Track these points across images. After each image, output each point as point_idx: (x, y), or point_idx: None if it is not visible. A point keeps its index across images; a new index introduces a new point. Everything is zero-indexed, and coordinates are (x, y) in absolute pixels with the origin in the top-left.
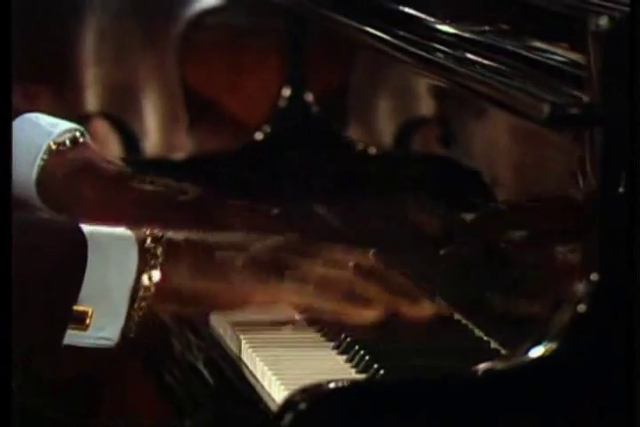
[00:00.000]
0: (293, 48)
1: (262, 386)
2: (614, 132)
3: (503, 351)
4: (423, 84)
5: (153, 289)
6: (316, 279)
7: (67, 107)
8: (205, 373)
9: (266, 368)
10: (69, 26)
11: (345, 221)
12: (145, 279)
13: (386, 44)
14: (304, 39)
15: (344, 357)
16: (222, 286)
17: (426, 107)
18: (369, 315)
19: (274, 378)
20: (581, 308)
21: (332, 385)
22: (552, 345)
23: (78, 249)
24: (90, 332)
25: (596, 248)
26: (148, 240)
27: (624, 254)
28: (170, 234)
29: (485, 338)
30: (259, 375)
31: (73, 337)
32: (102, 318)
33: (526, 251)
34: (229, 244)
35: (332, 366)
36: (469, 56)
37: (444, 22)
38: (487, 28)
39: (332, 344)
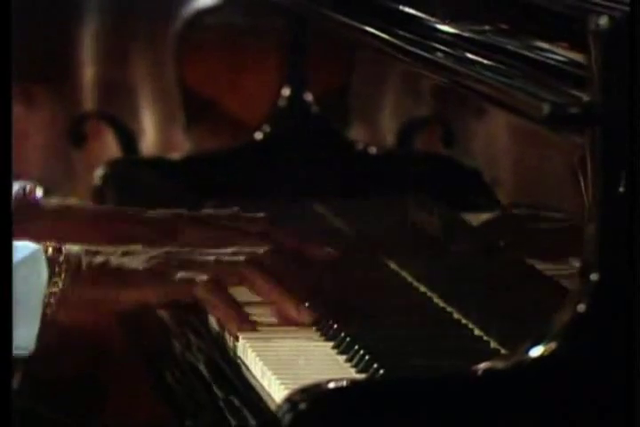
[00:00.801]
0: (293, 48)
1: (262, 386)
2: (614, 132)
3: (503, 351)
4: (423, 84)
5: (59, 295)
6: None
7: (65, 106)
8: (205, 373)
9: (266, 368)
10: (68, 26)
11: (345, 222)
12: (52, 287)
13: (386, 44)
14: (304, 39)
15: (344, 357)
16: (122, 291)
17: (426, 107)
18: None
19: (274, 378)
20: (581, 308)
21: (331, 385)
22: (552, 345)
23: None
24: None
25: (596, 248)
26: (50, 250)
27: (624, 254)
28: (68, 245)
29: (485, 338)
30: (259, 375)
31: None
32: (16, 329)
33: (526, 251)
34: (127, 251)
35: (332, 366)
36: (469, 56)
37: (443, 22)
38: (487, 27)
39: (331, 344)
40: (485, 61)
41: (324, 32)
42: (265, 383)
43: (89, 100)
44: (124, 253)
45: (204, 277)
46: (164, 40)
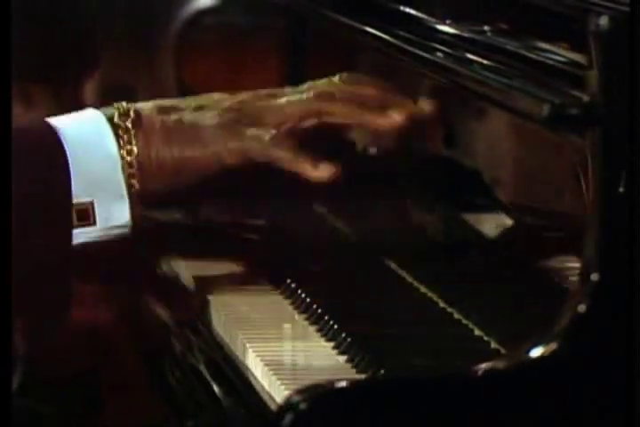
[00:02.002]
0: (293, 48)
1: (262, 386)
2: (614, 132)
3: (503, 351)
4: (423, 84)
5: (135, 164)
6: (272, 137)
7: (64, 106)
8: (205, 373)
9: (266, 368)
10: (68, 26)
11: (345, 222)
12: (125, 155)
13: (386, 44)
14: (304, 39)
15: (344, 357)
16: (195, 149)
17: (426, 107)
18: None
19: (274, 378)
20: (581, 308)
21: (331, 385)
22: (552, 345)
23: (53, 144)
24: (99, 225)
25: (596, 248)
26: (116, 116)
27: (624, 254)
28: (139, 105)
29: (486, 338)
30: (259, 375)
31: (84, 235)
32: (106, 207)
33: (527, 251)
34: (196, 106)
35: (332, 366)
36: (469, 56)
37: (443, 22)
38: (487, 28)
39: (331, 344)
40: (485, 62)
41: (324, 32)
42: (265, 384)
43: (88, 101)
44: (197, 108)
45: (275, 132)
46: (163, 40)
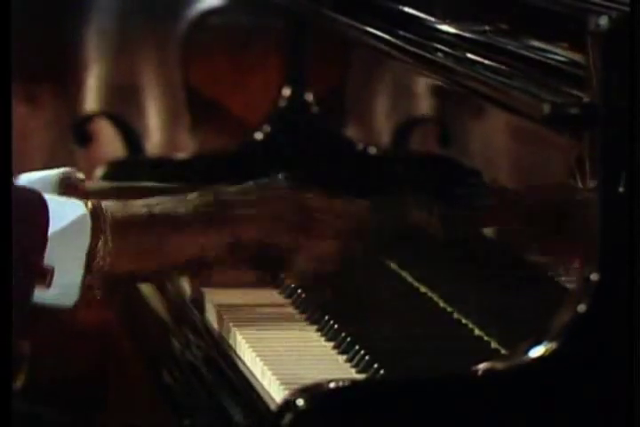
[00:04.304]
0: (293, 48)
1: (262, 386)
2: (614, 132)
3: (503, 351)
4: (423, 84)
5: (109, 250)
6: (260, 217)
7: (69, 107)
8: (205, 372)
9: (266, 368)
10: (71, 25)
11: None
12: (99, 245)
13: (386, 44)
14: (304, 39)
15: (344, 357)
16: (175, 236)
17: (425, 107)
18: (326, 247)
19: (274, 378)
20: (581, 308)
21: (331, 385)
22: (552, 345)
23: (40, 209)
24: (52, 289)
25: (596, 248)
26: (89, 204)
27: (624, 254)
28: (107, 204)
29: (486, 338)
30: (259, 375)
31: (36, 294)
32: (63, 276)
33: (527, 251)
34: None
35: (331, 366)
36: (469, 56)
37: (443, 22)
38: (487, 28)
39: (331, 344)
40: (485, 61)
41: (324, 32)
42: (265, 383)
43: (93, 101)
44: (166, 202)
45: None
46: (168, 40)
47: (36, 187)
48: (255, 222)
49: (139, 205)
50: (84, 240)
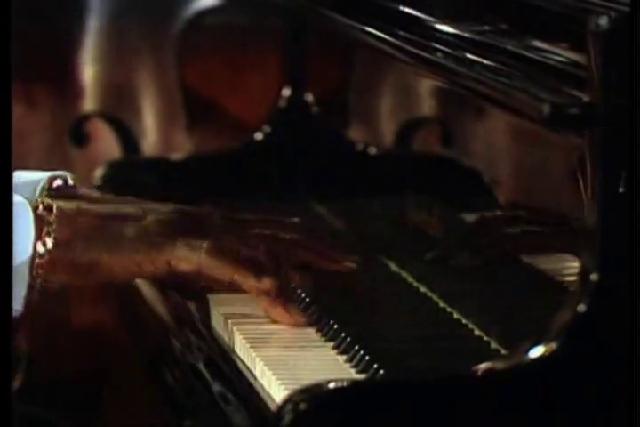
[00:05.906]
0: (293, 48)
1: (262, 386)
2: (614, 132)
3: (503, 351)
4: (423, 85)
5: (47, 257)
6: (208, 247)
7: (65, 107)
8: (205, 373)
9: (266, 368)
10: (68, 26)
11: (345, 222)
12: (39, 247)
13: (386, 44)
14: (304, 39)
15: (344, 357)
16: (114, 255)
17: (426, 107)
18: (264, 283)
19: (274, 378)
20: (581, 308)
21: (331, 385)
22: (552, 345)
23: None
24: None
25: (595, 248)
26: (40, 207)
27: (624, 254)
28: (61, 203)
29: (485, 338)
30: (259, 375)
31: None
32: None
33: (527, 251)
34: (122, 214)
35: (331, 366)
36: (469, 56)
37: (444, 22)
38: (487, 28)
39: (331, 344)
40: (485, 62)
41: (324, 32)
42: (265, 383)
43: (90, 101)
44: (124, 218)
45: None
46: (164, 40)
47: (21, 190)
48: (196, 255)
49: (92, 214)
50: (28, 243)
